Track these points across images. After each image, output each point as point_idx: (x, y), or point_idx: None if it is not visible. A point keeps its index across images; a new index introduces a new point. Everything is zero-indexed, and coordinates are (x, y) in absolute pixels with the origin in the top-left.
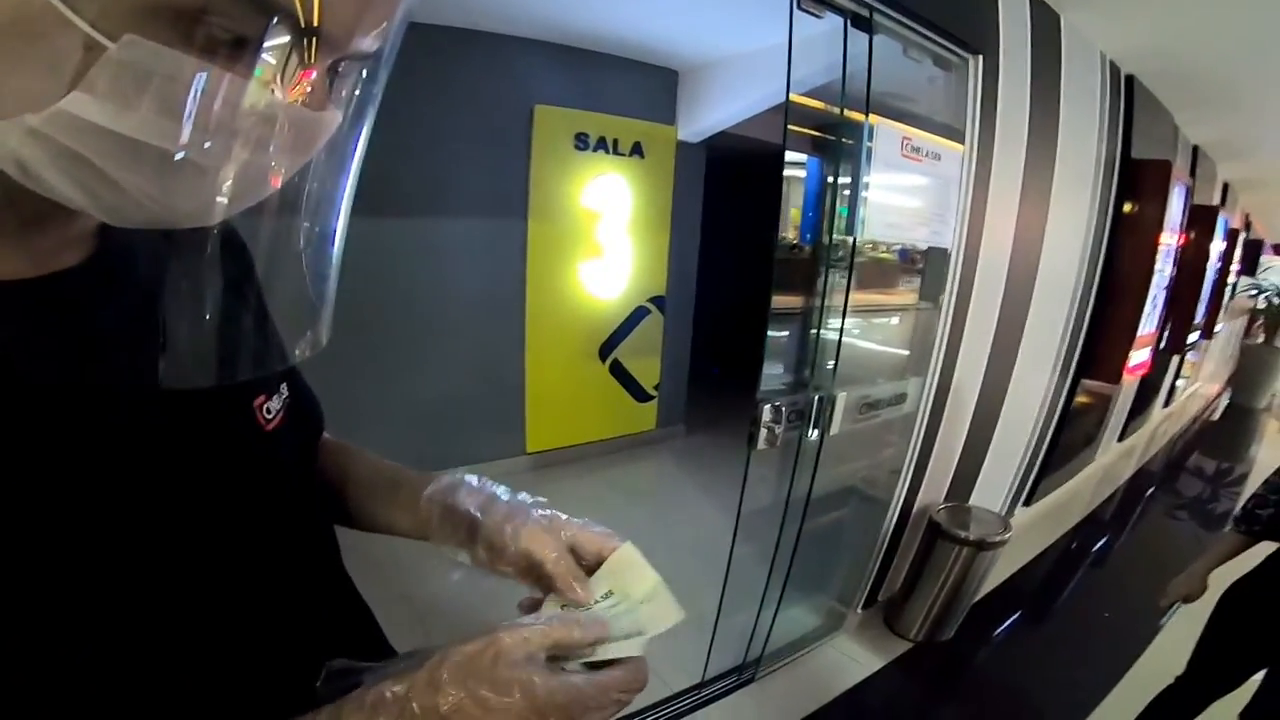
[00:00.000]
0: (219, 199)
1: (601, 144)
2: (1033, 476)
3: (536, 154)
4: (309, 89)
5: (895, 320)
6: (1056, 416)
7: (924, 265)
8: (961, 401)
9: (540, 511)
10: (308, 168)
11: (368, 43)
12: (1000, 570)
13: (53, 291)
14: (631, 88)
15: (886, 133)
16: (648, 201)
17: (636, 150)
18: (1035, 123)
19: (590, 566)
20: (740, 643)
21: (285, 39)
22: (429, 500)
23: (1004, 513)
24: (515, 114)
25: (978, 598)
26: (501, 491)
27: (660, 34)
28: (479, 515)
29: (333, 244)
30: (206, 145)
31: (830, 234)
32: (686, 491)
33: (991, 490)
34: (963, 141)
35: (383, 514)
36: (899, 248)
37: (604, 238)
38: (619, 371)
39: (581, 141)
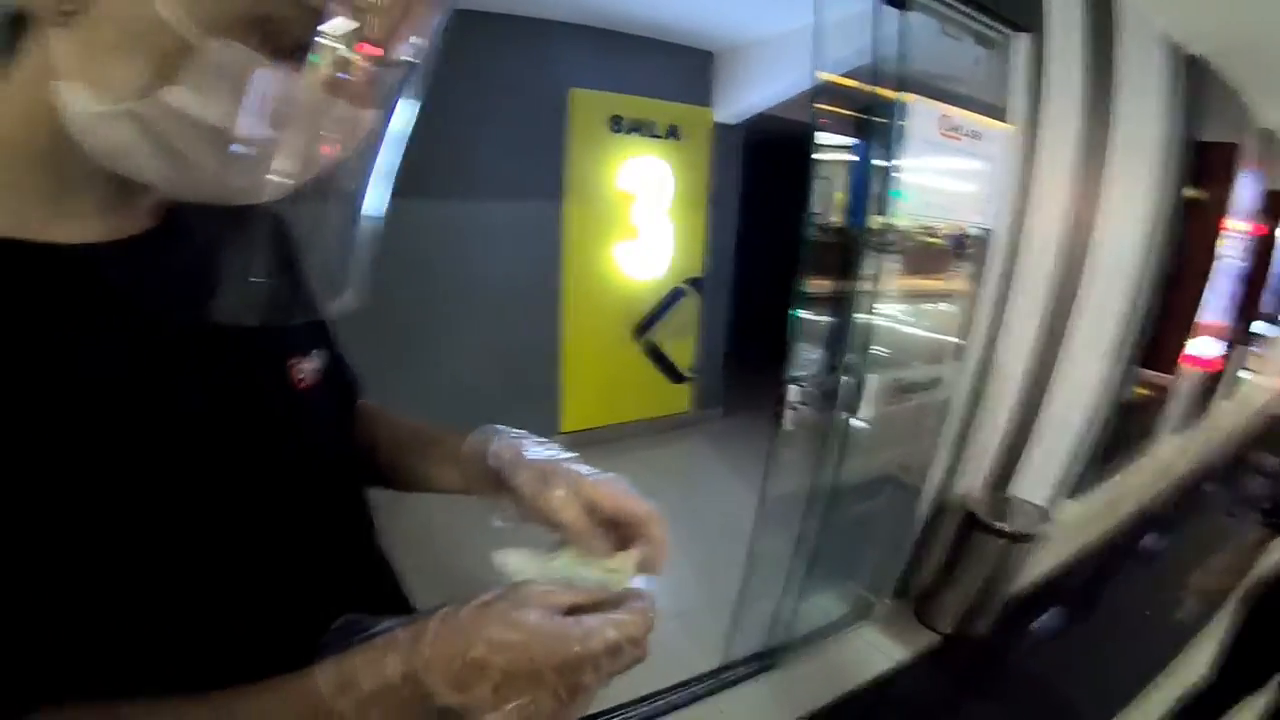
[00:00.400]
0: (271, 180)
1: (637, 126)
2: (1080, 468)
3: (572, 137)
4: (360, 88)
5: (932, 304)
6: (1109, 407)
7: (964, 247)
8: (1002, 388)
9: (569, 466)
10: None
11: (406, 50)
12: (1041, 564)
13: (121, 254)
14: (666, 70)
15: (923, 111)
16: (684, 183)
17: (672, 133)
18: (1088, 103)
19: (608, 520)
20: (764, 628)
21: (337, 46)
22: (469, 450)
23: (1048, 505)
24: (550, 98)
25: (1015, 591)
26: (533, 445)
27: (695, 15)
28: (509, 468)
29: (359, 219)
30: (272, 134)
31: (862, 215)
32: (721, 474)
33: (1034, 481)
34: (1007, 121)
35: (425, 469)
36: (939, 230)
37: (640, 220)
38: (655, 353)
39: (617, 124)
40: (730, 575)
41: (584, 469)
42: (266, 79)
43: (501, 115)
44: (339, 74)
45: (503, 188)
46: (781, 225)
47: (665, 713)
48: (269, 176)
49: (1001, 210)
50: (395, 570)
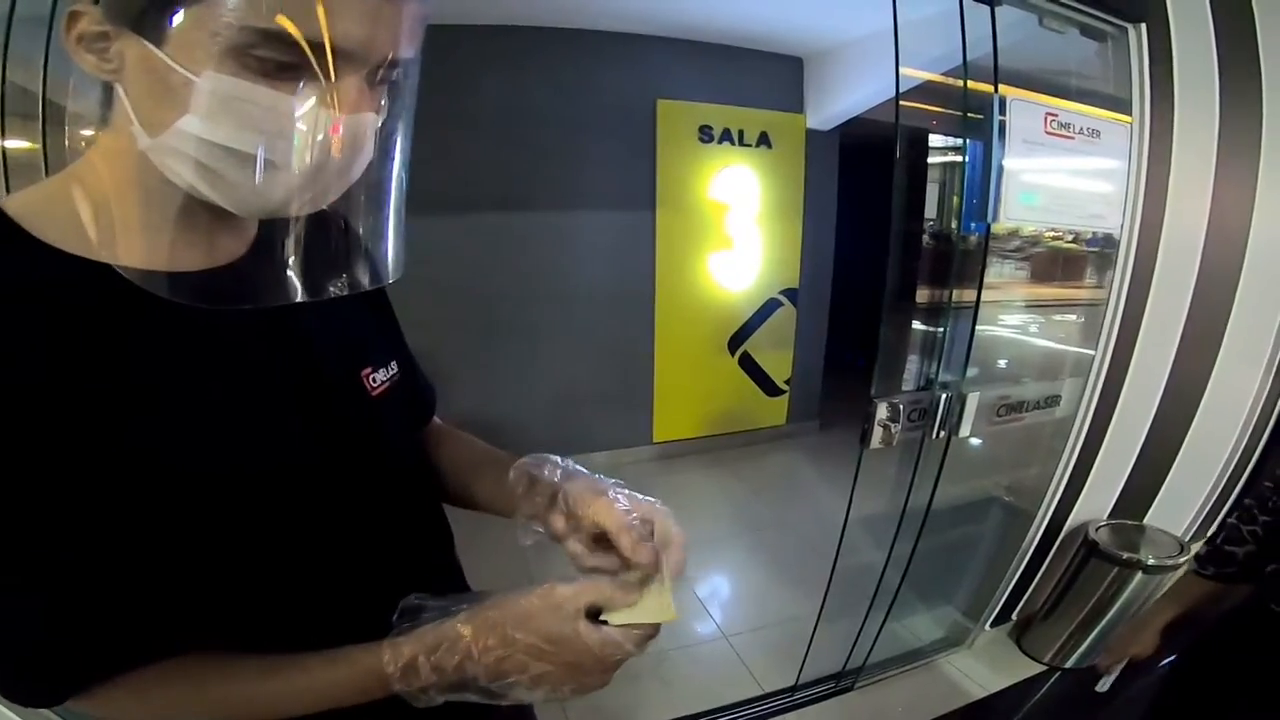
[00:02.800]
0: (298, 186)
1: (727, 135)
2: (1234, 495)
3: (661, 148)
4: (346, 97)
5: (1052, 314)
6: (1271, 428)
7: (1089, 252)
8: (1135, 407)
9: (615, 491)
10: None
11: (387, 56)
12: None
13: (219, 281)
14: (755, 78)
15: (1025, 108)
16: (777, 192)
17: (764, 140)
18: (1228, 94)
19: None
20: (843, 649)
21: (317, 61)
22: (517, 472)
23: (1187, 536)
24: (638, 109)
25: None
26: (581, 470)
27: (782, 21)
28: (561, 485)
29: (389, 208)
30: (275, 145)
31: (959, 219)
32: (815, 488)
33: (1175, 509)
34: (1132, 116)
35: (477, 489)
36: (1059, 234)
37: (733, 229)
38: (749, 364)
39: (706, 134)
40: (817, 592)
41: (623, 492)
42: (258, 101)
43: (591, 127)
44: (326, 85)
45: (595, 198)
46: (881, 232)
47: None
48: (296, 183)
49: (1133, 211)
50: (457, 563)
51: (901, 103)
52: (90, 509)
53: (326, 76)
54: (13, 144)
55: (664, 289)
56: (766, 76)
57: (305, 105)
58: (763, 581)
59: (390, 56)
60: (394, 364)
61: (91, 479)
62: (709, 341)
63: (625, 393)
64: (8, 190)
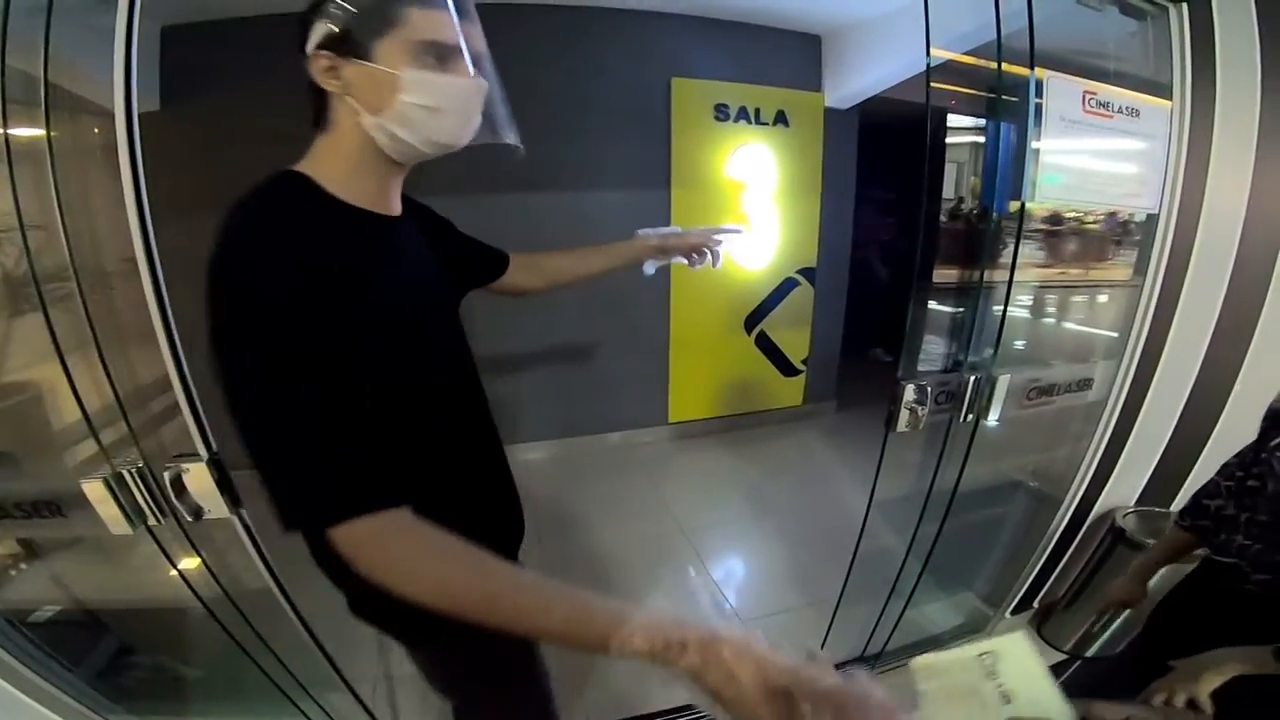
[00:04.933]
0: (466, 124)
1: (743, 114)
2: None
3: (676, 126)
4: (467, 71)
5: (1084, 296)
6: None
7: (1124, 233)
8: (1167, 392)
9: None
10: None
11: (478, 51)
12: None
13: (397, 222)
14: (771, 55)
15: (1062, 88)
16: (795, 171)
17: (780, 119)
18: (1270, 75)
19: None
20: (861, 634)
21: (454, 56)
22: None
23: None
24: (652, 88)
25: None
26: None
27: None
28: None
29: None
30: (447, 100)
31: (997, 199)
32: (831, 470)
33: None
34: (1169, 97)
35: (593, 257)
36: (1094, 214)
37: (750, 209)
38: (765, 344)
39: (721, 113)
40: (835, 577)
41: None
42: (435, 80)
43: (606, 106)
44: (459, 69)
45: (610, 178)
46: (901, 212)
47: None
48: (467, 123)
49: (1170, 192)
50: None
51: (930, 83)
52: (354, 348)
53: (457, 63)
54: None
55: (680, 268)
56: (783, 54)
57: (455, 78)
58: (779, 565)
59: (478, 51)
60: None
61: (355, 320)
62: (725, 321)
63: (640, 372)
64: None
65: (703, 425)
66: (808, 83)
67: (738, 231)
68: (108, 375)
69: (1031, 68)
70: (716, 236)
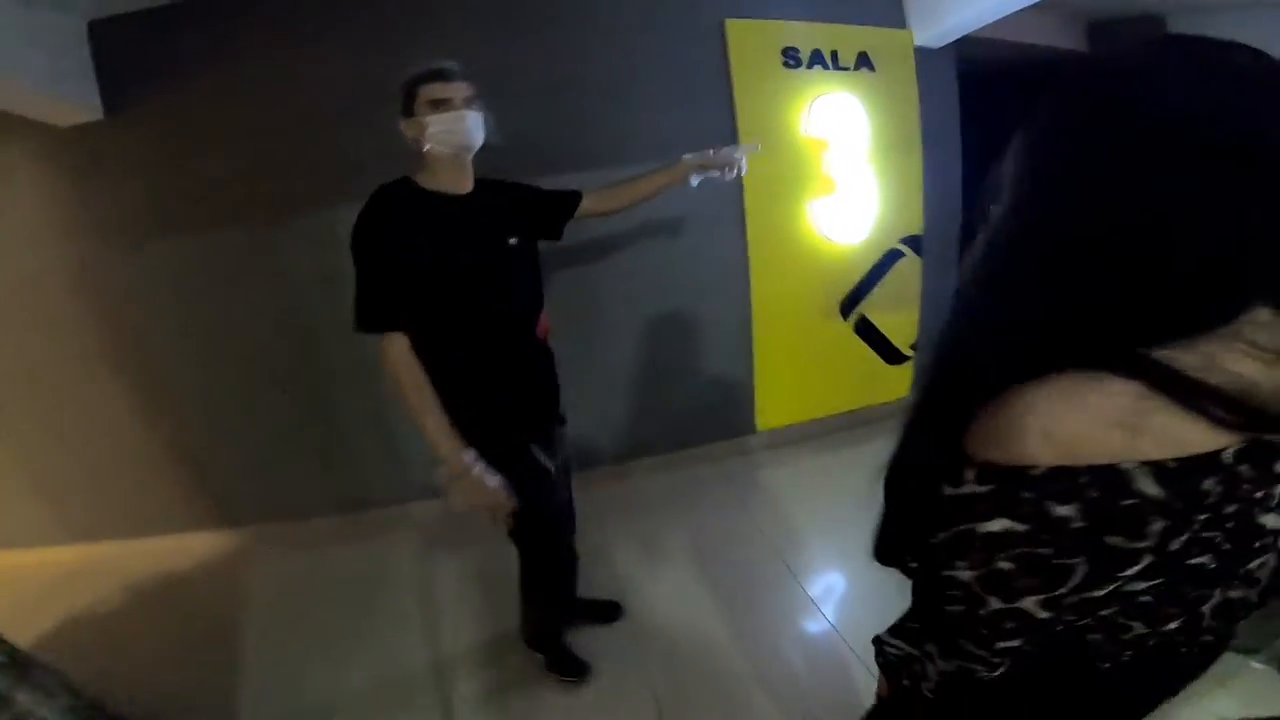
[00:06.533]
0: (471, 140)
1: (817, 58)
2: None
3: (737, 78)
4: (458, 108)
5: None
6: None
7: None
8: None
9: None
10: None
11: (467, 97)
12: None
13: (463, 199)
14: None
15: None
16: (887, 123)
17: (864, 62)
18: None
19: None
20: None
21: (447, 103)
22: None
23: None
24: (704, 34)
25: None
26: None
27: None
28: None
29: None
30: (452, 126)
31: None
32: None
33: None
34: None
35: (643, 184)
36: None
37: (836, 170)
38: (866, 330)
39: (791, 58)
40: None
41: None
42: (443, 117)
43: (648, 64)
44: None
45: (662, 149)
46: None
47: None
48: (471, 139)
49: None
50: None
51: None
52: (405, 267)
53: (451, 105)
54: None
55: (758, 249)
56: None
57: (451, 113)
58: (883, 579)
59: (467, 96)
60: (522, 232)
61: (414, 251)
62: (817, 306)
63: (720, 378)
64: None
65: (797, 431)
66: (890, 19)
67: (755, 149)
68: None
69: None
70: (737, 154)
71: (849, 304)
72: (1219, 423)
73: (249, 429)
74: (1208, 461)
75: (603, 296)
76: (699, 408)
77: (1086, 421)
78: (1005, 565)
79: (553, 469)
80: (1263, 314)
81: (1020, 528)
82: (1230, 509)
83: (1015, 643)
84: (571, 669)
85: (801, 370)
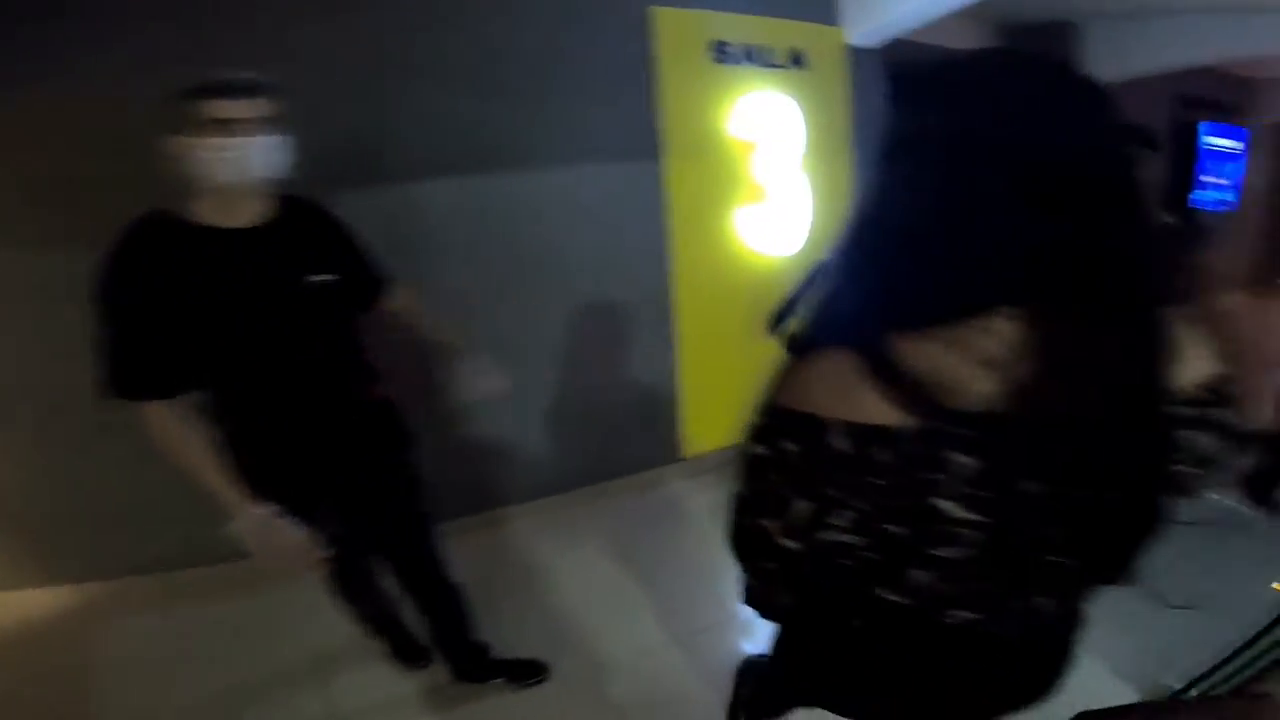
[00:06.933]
0: (245, 169)
1: (749, 53)
2: None
3: (665, 72)
4: (251, 130)
5: None
6: None
7: None
8: None
9: None
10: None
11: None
12: None
13: (248, 235)
14: None
15: None
16: (819, 125)
17: (797, 60)
18: None
19: None
20: None
21: (235, 117)
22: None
23: None
24: (627, 23)
25: None
26: None
27: None
28: None
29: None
30: (224, 155)
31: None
32: None
33: None
34: None
35: None
36: None
37: (766, 175)
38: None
39: (722, 52)
40: None
41: None
42: (216, 141)
43: (566, 54)
44: (240, 126)
45: (579, 148)
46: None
47: None
48: (244, 169)
49: None
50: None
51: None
52: (164, 321)
53: (236, 128)
54: None
55: (684, 260)
56: None
57: (231, 139)
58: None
59: (262, 117)
60: (333, 270)
61: (176, 301)
62: (747, 322)
63: (643, 400)
64: None
65: (727, 455)
66: (821, 14)
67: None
68: None
69: None
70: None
71: (778, 319)
72: (895, 403)
73: (96, 472)
74: (881, 432)
75: (507, 319)
76: (620, 436)
77: (814, 381)
78: (756, 486)
79: (346, 532)
80: (996, 321)
81: (766, 452)
82: (903, 482)
83: (770, 564)
84: (410, 656)
85: (731, 390)
